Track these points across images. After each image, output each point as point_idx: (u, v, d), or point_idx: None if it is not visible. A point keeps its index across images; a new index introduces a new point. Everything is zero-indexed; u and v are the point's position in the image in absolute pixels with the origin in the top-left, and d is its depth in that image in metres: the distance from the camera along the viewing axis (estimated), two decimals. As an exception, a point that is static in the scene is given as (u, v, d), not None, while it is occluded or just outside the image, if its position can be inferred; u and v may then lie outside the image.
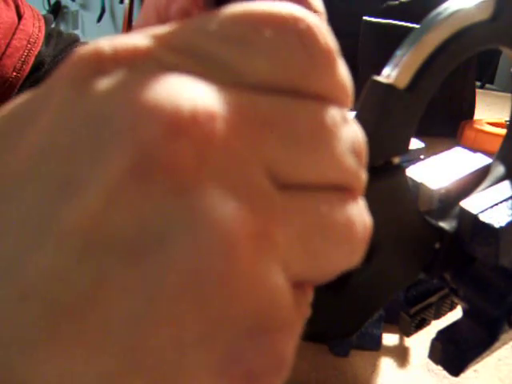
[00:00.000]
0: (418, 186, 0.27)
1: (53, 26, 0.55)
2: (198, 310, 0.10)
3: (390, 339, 0.41)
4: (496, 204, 0.25)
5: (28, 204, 0.10)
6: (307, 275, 0.13)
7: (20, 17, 0.50)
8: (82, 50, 0.12)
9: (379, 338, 0.40)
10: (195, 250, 0.10)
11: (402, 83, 0.21)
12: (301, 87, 0.12)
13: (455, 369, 0.26)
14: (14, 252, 0.10)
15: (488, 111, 0.92)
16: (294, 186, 0.12)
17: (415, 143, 0.38)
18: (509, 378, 0.38)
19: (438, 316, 0.32)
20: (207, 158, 0.11)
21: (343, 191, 0.13)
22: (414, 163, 0.28)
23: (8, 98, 0.47)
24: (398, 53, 0.22)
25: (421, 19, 0.22)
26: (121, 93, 0.11)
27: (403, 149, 0.23)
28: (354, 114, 0.22)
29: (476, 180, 0.28)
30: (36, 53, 0.49)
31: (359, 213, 0.13)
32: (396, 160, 0.23)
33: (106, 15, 2.67)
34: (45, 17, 0.54)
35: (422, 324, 0.31)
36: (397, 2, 0.82)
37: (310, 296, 0.14)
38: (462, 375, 0.26)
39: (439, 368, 0.27)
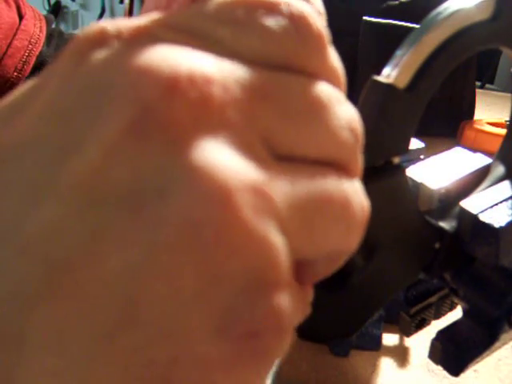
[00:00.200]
0: (417, 186, 0.27)
1: (53, 26, 0.55)
2: (196, 262, 0.10)
3: (390, 339, 0.41)
4: (496, 204, 0.25)
5: (29, 166, 0.11)
6: (304, 252, 0.12)
7: (21, 17, 0.50)
8: (86, 30, 0.12)
9: (379, 338, 0.40)
10: (192, 200, 0.10)
11: (402, 83, 0.21)
12: (293, 64, 0.13)
13: (455, 369, 0.26)
14: (15, 210, 0.10)
15: (488, 111, 0.92)
16: (290, 159, 0.12)
17: (415, 143, 0.38)
18: (509, 378, 0.38)
19: (438, 316, 0.32)
20: (204, 118, 0.11)
21: (340, 169, 0.13)
22: (414, 163, 0.28)
23: (9, 98, 0.47)
24: (398, 53, 0.22)
25: (421, 19, 0.22)
26: (120, 58, 0.11)
27: (403, 149, 0.23)
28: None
29: (476, 180, 0.28)
30: (37, 53, 0.49)
31: (356, 193, 0.13)
32: (396, 160, 0.23)
33: (106, 15, 2.67)
34: (46, 17, 0.54)
35: (421, 324, 0.31)
36: (397, 2, 0.82)
37: (310, 294, 0.14)
38: (462, 375, 0.26)
39: (439, 368, 0.27)
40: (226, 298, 0.11)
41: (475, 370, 0.39)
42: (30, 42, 0.49)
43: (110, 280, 0.10)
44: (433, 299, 0.31)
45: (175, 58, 0.11)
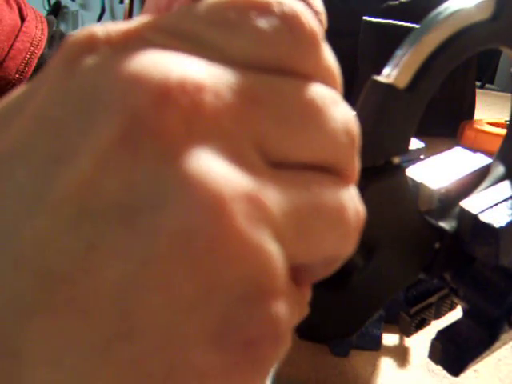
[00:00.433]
0: (418, 186, 0.27)
1: (55, 27, 0.55)
2: (190, 272, 0.10)
3: (390, 339, 0.41)
4: (496, 204, 0.25)
5: (22, 178, 0.11)
6: (300, 258, 0.12)
7: (23, 19, 0.50)
8: (76, 35, 0.12)
9: (379, 338, 0.40)
10: (185, 210, 0.10)
11: (402, 83, 0.21)
12: (286, 66, 0.13)
13: (455, 369, 0.26)
14: (9, 223, 0.10)
15: (488, 111, 0.92)
16: (285, 165, 0.12)
17: (415, 143, 0.38)
18: (509, 378, 0.38)
19: (438, 316, 0.32)
20: (195, 126, 0.11)
21: (336, 175, 0.13)
22: (414, 163, 0.28)
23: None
24: (398, 53, 0.22)
25: (421, 19, 0.22)
26: (110, 66, 0.11)
27: (403, 149, 0.23)
28: (353, 113, 0.22)
29: (476, 180, 0.28)
30: (39, 55, 0.49)
31: (351, 199, 0.13)
32: (396, 160, 0.23)
33: (106, 15, 2.67)
34: (47, 19, 0.54)
35: (422, 324, 0.31)
36: (397, 2, 0.82)
37: (307, 296, 0.14)
38: (462, 375, 0.26)
39: (439, 368, 0.27)
40: (221, 308, 0.11)
41: (475, 370, 0.39)
42: (31, 43, 0.49)
43: (105, 292, 0.10)
44: (433, 299, 0.31)
45: (166, 64, 0.11)
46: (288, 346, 0.12)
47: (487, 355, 0.26)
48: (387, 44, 0.33)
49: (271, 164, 0.12)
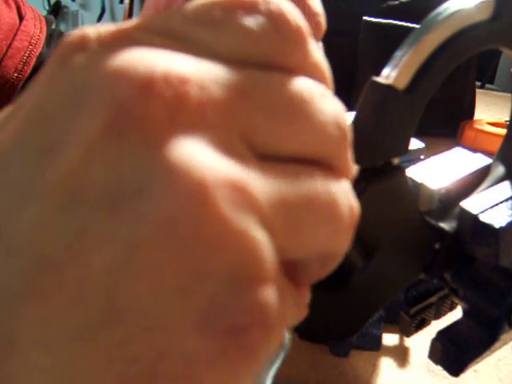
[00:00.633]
0: (418, 186, 0.27)
1: (53, 26, 0.55)
2: (176, 258, 0.10)
3: (390, 339, 0.41)
4: (496, 204, 0.25)
5: (16, 170, 0.11)
6: (292, 252, 0.12)
7: (21, 18, 0.50)
8: (70, 35, 0.13)
9: (379, 338, 0.40)
10: (169, 197, 0.10)
11: (402, 84, 0.21)
12: (273, 61, 0.13)
13: (455, 369, 0.26)
14: (3, 213, 0.11)
15: (488, 111, 0.92)
16: (275, 157, 0.12)
17: (415, 143, 0.38)
18: (509, 378, 0.38)
19: (438, 316, 0.32)
20: (179, 116, 0.11)
21: (327, 169, 0.13)
22: (414, 163, 0.28)
23: (9, 99, 0.47)
24: (398, 53, 0.22)
25: (421, 19, 0.22)
26: (98, 61, 0.12)
27: (403, 149, 0.23)
28: (353, 114, 0.22)
29: (476, 180, 0.28)
30: (37, 54, 0.49)
31: (345, 194, 0.13)
32: (396, 160, 0.23)
33: (106, 15, 2.67)
34: (46, 18, 0.54)
35: (422, 324, 0.31)
36: (397, 2, 0.82)
37: (306, 296, 0.14)
38: (462, 375, 0.26)
39: (439, 368, 0.27)
40: (207, 293, 0.11)
41: (475, 370, 0.39)
42: (30, 42, 0.49)
43: (92, 278, 0.10)
44: (433, 299, 0.31)
45: (151, 59, 0.11)
46: (281, 338, 0.12)
47: (487, 355, 0.26)
48: (387, 44, 0.33)
49: (260, 156, 0.12)
